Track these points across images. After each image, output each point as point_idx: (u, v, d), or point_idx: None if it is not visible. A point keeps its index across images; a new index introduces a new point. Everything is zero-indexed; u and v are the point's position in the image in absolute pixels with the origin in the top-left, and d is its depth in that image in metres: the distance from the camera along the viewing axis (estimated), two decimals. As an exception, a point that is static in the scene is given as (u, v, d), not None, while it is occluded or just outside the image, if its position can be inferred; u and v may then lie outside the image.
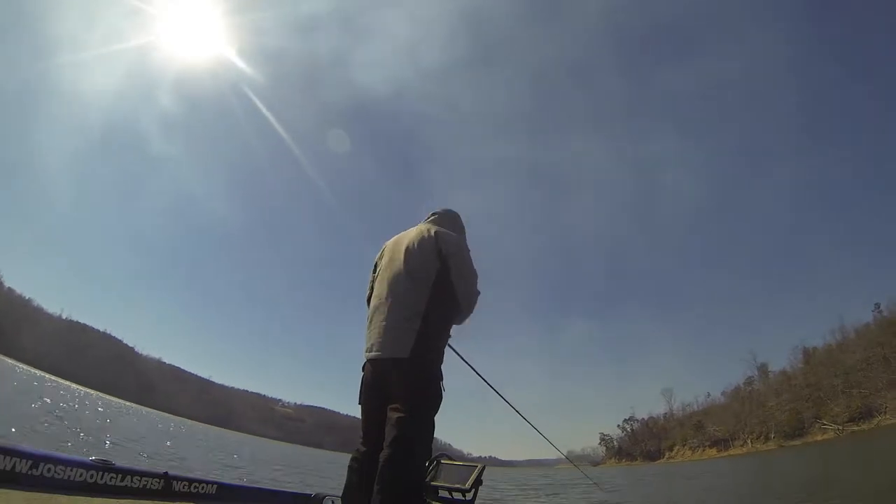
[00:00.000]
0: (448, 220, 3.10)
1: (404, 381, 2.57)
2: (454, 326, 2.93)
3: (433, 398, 2.64)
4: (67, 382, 75.06)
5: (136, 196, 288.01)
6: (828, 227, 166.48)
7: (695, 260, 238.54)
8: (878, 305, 71.77)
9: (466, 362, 3.35)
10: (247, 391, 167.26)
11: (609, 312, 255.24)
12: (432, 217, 3.12)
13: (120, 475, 3.40)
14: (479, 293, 2.85)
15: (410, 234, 2.90)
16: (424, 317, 2.63)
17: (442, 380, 2.71)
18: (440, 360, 2.74)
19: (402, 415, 2.48)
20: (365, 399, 2.75)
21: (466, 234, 3.15)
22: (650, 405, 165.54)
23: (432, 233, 2.81)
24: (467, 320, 2.94)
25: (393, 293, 2.73)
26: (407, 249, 2.80)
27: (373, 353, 2.67)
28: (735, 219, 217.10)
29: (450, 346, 2.99)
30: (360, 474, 2.60)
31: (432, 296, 2.68)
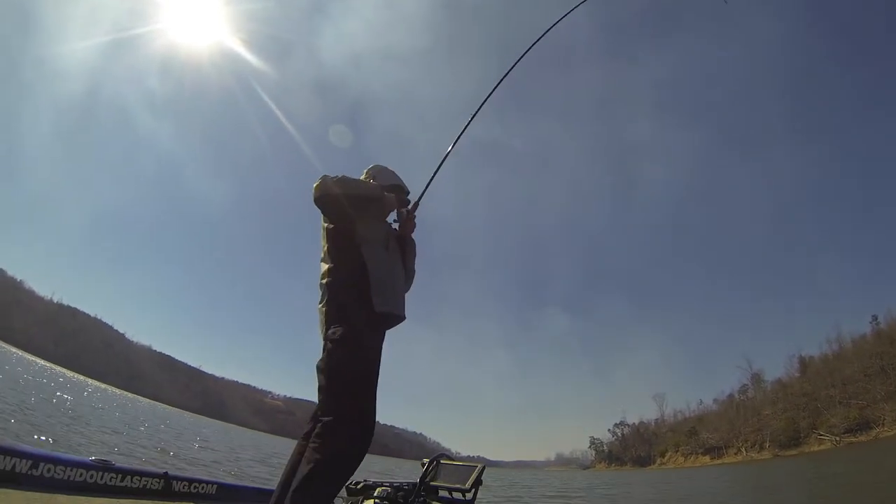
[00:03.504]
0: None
1: (320, 368, 2.48)
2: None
3: (343, 380, 2.42)
4: (54, 366, 74.12)
5: (130, 180, 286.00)
6: (824, 234, 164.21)
7: (681, 260, 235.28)
8: (875, 317, 71.39)
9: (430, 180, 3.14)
10: (237, 382, 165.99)
11: (588, 310, 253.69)
12: None
13: (120, 475, 3.43)
14: (343, 179, 2.61)
15: None
16: (326, 301, 2.58)
17: (359, 358, 2.44)
18: (356, 338, 2.45)
19: (320, 415, 2.41)
20: None
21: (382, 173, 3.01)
22: (641, 410, 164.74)
23: None
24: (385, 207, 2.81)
25: None
26: None
27: None
28: (724, 219, 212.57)
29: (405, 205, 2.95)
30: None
31: (329, 267, 2.63)
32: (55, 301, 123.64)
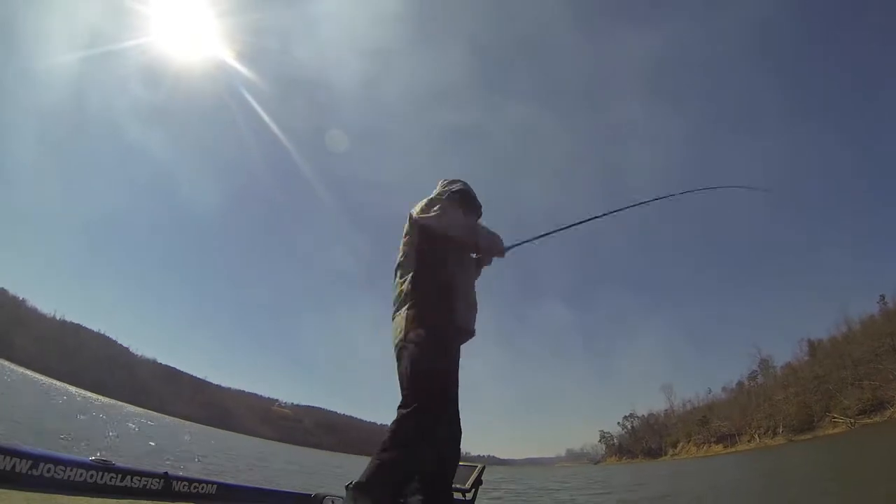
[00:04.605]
0: (436, 191, 3.04)
1: (401, 370, 2.53)
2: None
3: (432, 385, 2.46)
4: (59, 382, 73.81)
5: (126, 191, 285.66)
6: (825, 216, 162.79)
7: (679, 248, 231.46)
8: (882, 297, 71.16)
9: (524, 241, 3.16)
10: (243, 391, 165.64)
11: (588, 303, 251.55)
12: None
13: (120, 475, 3.39)
14: (475, 226, 2.78)
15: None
16: (411, 295, 2.59)
17: (445, 363, 2.54)
18: (440, 341, 2.54)
19: (401, 410, 2.43)
20: None
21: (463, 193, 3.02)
22: (650, 402, 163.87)
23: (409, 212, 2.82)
24: (495, 255, 2.94)
25: (394, 286, 2.76)
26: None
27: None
28: (721, 203, 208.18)
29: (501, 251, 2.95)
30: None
31: (416, 270, 2.64)
32: (58, 318, 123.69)
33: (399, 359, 2.58)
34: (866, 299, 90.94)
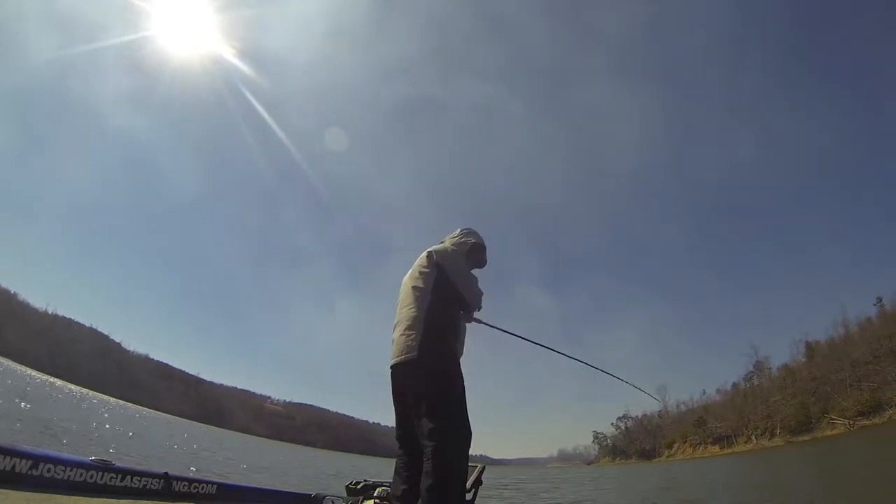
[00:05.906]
0: (453, 237, 3.36)
1: (419, 382, 2.81)
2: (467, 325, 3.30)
3: (453, 394, 2.82)
4: (47, 377, 72.90)
5: (122, 191, 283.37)
6: (822, 216, 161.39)
7: (674, 248, 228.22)
8: (880, 299, 71.36)
9: (495, 327, 3.53)
10: (235, 388, 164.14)
11: (570, 301, 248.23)
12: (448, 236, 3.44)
13: (120, 475, 3.45)
14: (481, 291, 3.19)
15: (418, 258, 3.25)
16: (425, 320, 2.89)
17: (460, 378, 2.90)
18: (452, 357, 2.96)
19: (432, 425, 2.67)
20: (394, 406, 3.01)
21: (482, 245, 3.38)
22: (643, 403, 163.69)
23: (428, 251, 3.18)
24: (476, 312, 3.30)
25: (403, 309, 3.04)
26: (413, 270, 3.18)
27: (391, 361, 2.96)
28: (713, 197, 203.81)
29: (477, 319, 3.36)
30: (404, 479, 2.87)
31: (432, 300, 2.95)
32: (50, 312, 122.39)
33: (410, 370, 2.85)
34: (863, 301, 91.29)
